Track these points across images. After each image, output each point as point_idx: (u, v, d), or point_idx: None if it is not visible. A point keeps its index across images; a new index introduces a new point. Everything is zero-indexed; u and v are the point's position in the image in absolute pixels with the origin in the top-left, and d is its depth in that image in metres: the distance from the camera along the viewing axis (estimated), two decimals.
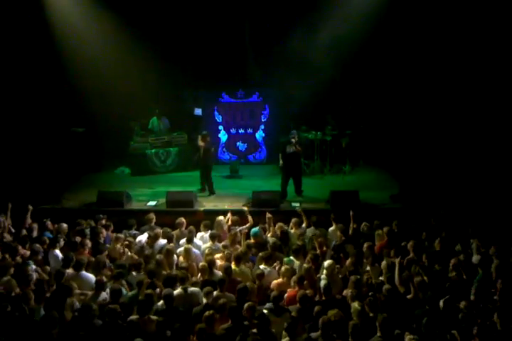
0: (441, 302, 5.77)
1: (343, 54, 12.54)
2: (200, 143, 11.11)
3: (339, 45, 12.34)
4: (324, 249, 7.48)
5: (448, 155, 11.66)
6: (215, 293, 6.15)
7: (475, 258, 7.09)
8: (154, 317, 5.61)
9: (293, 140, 10.48)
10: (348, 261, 6.86)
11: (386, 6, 11.79)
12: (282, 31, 12.83)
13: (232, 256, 7.06)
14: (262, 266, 6.96)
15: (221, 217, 8.50)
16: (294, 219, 8.38)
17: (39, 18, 11.73)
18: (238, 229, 8.19)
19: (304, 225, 8.36)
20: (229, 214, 8.66)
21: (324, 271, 6.59)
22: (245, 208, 8.91)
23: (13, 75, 11.74)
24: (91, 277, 6.60)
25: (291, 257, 7.21)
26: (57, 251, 7.35)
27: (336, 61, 12.68)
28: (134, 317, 5.63)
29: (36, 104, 12.11)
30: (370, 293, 5.91)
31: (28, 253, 7.26)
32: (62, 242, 7.54)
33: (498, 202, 9.65)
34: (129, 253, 7.42)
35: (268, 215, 8.28)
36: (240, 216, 8.68)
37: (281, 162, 10.67)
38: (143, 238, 8.08)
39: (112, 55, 12.34)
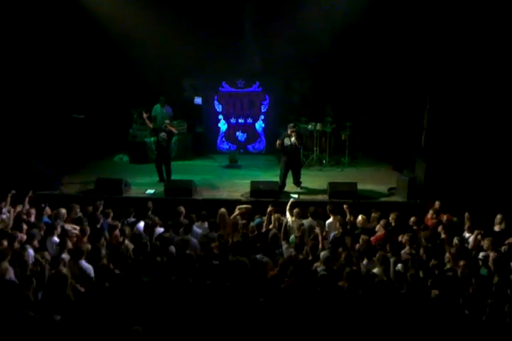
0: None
1: (345, 44, 12.51)
2: (175, 130, 11.09)
3: (342, 35, 12.30)
4: (321, 240, 7.49)
5: (448, 147, 11.66)
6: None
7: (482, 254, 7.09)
8: None
9: (293, 133, 10.42)
10: (343, 254, 6.88)
11: None
12: (283, 20, 12.75)
13: (228, 245, 7.08)
14: (259, 256, 6.97)
15: (223, 209, 8.49)
16: (296, 210, 8.39)
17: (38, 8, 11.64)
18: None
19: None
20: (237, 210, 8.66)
21: (321, 263, 6.64)
22: (242, 198, 8.88)
23: (12, 62, 11.67)
24: (89, 267, 6.58)
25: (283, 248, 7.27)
26: (56, 238, 7.35)
27: (338, 52, 12.65)
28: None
29: (37, 91, 12.06)
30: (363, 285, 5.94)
31: (25, 237, 7.26)
32: (59, 229, 7.55)
33: (498, 194, 9.68)
34: (126, 242, 7.42)
35: (269, 209, 8.26)
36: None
37: (277, 145, 10.58)
38: (140, 226, 8.10)
39: (113, 43, 12.25)
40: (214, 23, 12.76)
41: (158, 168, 11.05)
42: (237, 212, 8.46)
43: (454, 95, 11.68)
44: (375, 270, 6.59)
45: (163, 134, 10.94)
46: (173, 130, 11.11)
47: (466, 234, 7.78)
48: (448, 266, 6.65)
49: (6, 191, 8.47)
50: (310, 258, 6.86)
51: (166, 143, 11.00)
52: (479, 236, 7.40)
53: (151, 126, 11.43)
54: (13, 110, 11.75)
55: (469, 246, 7.44)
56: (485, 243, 7.14)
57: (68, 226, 7.76)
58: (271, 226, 8.02)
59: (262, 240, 7.43)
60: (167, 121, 11.16)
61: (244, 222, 8.20)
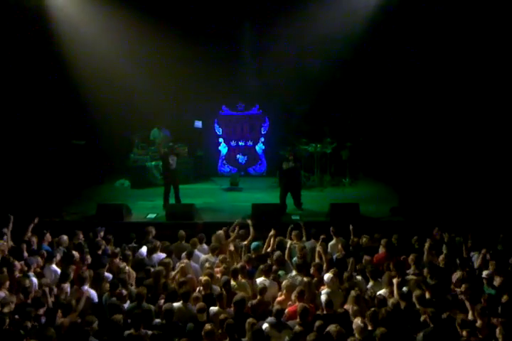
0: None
1: (342, 66, 12.66)
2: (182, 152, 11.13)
3: (339, 57, 12.47)
4: (325, 261, 7.41)
5: (447, 166, 11.68)
6: (214, 308, 6.11)
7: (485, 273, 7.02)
8: (149, 332, 5.56)
9: (290, 157, 10.45)
10: (346, 275, 6.80)
11: (384, 17, 11.97)
12: (282, 43, 12.92)
13: (230, 269, 7.01)
14: (262, 279, 6.91)
15: (221, 231, 8.44)
16: (294, 232, 8.33)
17: (41, 28, 11.83)
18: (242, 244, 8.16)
19: (304, 238, 8.32)
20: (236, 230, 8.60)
21: (325, 285, 6.56)
22: (249, 221, 8.81)
23: (13, 88, 11.80)
24: (93, 293, 6.54)
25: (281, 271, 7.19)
26: (54, 266, 7.29)
27: (336, 73, 12.78)
28: (130, 331, 5.58)
29: (37, 117, 12.15)
30: (371, 308, 5.85)
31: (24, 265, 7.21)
32: (59, 257, 7.49)
33: (498, 213, 9.63)
34: (127, 267, 7.36)
35: (272, 232, 8.17)
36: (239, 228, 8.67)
37: (278, 180, 10.66)
38: (143, 251, 8.05)
39: (113, 67, 12.41)
40: (213, 46, 12.92)
41: (167, 191, 10.91)
42: (234, 234, 8.41)
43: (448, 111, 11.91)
44: (382, 291, 6.51)
45: (173, 157, 10.92)
46: (182, 152, 11.05)
47: (471, 254, 7.71)
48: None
49: (7, 218, 8.42)
50: (315, 280, 6.78)
51: (175, 166, 10.97)
52: (488, 256, 7.34)
53: (162, 151, 11.23)
54: (14, 137, 11.82)
55: (475, 266, 7.38)
56: (490, 265, 7.07)
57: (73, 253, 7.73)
58: (269, 249, 7.94)
59: (264, 263, 7.35)
60: (171, 144, 11.15)
61: (245, 243, 8.13)
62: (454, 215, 9.59)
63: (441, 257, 7.37)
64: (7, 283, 6.43)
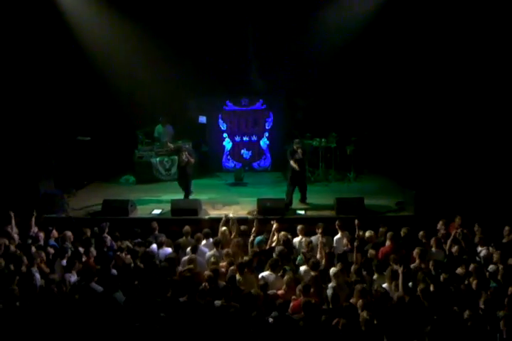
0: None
1: (347, 60, 12.63)
2: (192, 159, 11.02)
3: (343, 52, 12.44)
4: (325, 256, 7.42)
5: (454, 160, 11.65)
6: (219, 302, 6.14)
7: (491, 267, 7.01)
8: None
9: (299, 150, 10.42)
10: (352, 269, 6.81)
11: (389, 13, 11.92)
12: (286, 38, 12.91)
13: (235, 264, 7.03)
14: (267, 273, 6.92)
15: (224, 228, 8.46)
16: (299, 227, 8.33)
17: (45, 29, 11.87)
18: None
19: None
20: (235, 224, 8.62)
21: (331, 279, 6.57)
22: (249, 216, 8.83)
23: (20, 83, 11.85)
24: (100, 289, 6.59)
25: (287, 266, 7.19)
26: (65, 262, 7.33)
27: (341, 67, 12.75)
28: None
29: (43, 113, 12.20)
30: (376, 302, 5.86)
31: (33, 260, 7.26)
32: (70, 252, 7.54)
33: (507, 207, 9.59)
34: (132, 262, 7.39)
35: (274, 226, 8.18)
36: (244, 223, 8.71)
37: (296, 167, 10.34)
38: (154, 247, 8.08)
39: (118, 64, 12.44)
40: (217, 42, 12.91)
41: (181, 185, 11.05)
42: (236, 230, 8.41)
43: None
44: (385, 285, 6.52)
45: (184, 156, 10.85)
46: (191, 159, 11.03)
47: (479, 248, 7.69)
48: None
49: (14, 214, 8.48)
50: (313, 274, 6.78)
51: (185, 164, 10.94)
52: (491, 249, 7.33)
53: (173, 146, 11.27)
54: (20, 133, 11.88)
55: (481, 260, 7.37)
56: (494, 256, 7.07)
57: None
58: (274, 244, 7.94)
59: (269, 257, 7.37)
60: (187, 146, 11.14)
61: (251, 239, 8.14)
62: (461, 209, 9.54)
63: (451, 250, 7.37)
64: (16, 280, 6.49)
